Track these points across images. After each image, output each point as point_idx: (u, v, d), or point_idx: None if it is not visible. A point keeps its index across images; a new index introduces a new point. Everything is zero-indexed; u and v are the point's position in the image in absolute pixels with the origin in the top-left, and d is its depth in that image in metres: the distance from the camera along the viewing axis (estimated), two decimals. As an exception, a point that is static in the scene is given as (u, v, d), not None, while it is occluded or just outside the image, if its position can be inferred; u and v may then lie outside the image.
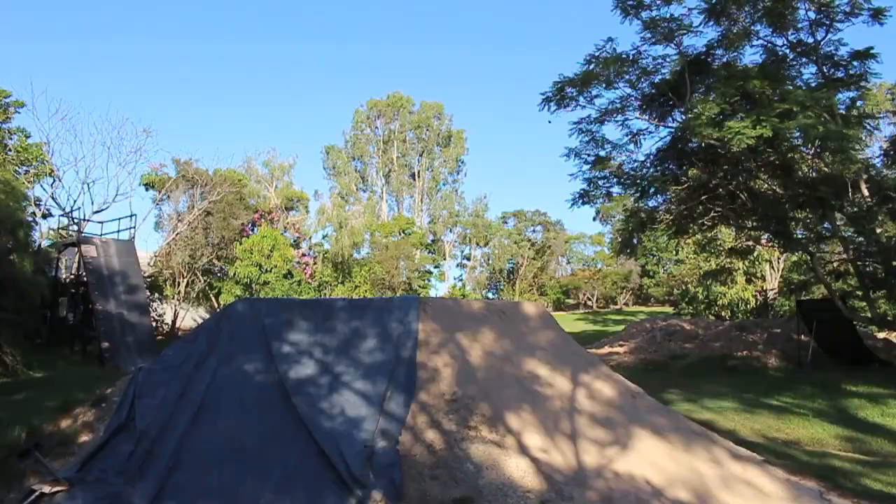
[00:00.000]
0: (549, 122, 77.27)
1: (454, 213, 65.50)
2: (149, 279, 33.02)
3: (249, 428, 8.34)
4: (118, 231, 29.86)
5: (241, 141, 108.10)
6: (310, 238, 52.11)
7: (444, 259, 64.65)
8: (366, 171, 66.46)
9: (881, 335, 25.12)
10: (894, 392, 16.94)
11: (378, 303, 10.71)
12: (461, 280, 64.60)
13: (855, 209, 20.04)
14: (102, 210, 36.17)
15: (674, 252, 47.58)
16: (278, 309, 10.44)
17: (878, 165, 21.26)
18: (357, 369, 9.07)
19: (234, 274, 38.83)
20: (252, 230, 42.92)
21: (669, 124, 21.48)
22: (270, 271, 38.73)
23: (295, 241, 47.76)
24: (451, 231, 66.31)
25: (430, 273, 57.20)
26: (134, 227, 30.06)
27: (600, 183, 22.46)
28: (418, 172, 65.29)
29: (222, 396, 8.87)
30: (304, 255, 46.88)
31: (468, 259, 67.67)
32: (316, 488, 7.38)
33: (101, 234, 29.35)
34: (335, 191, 62.97)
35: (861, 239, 21.16)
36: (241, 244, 39.54)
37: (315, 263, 46.55)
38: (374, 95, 66.91)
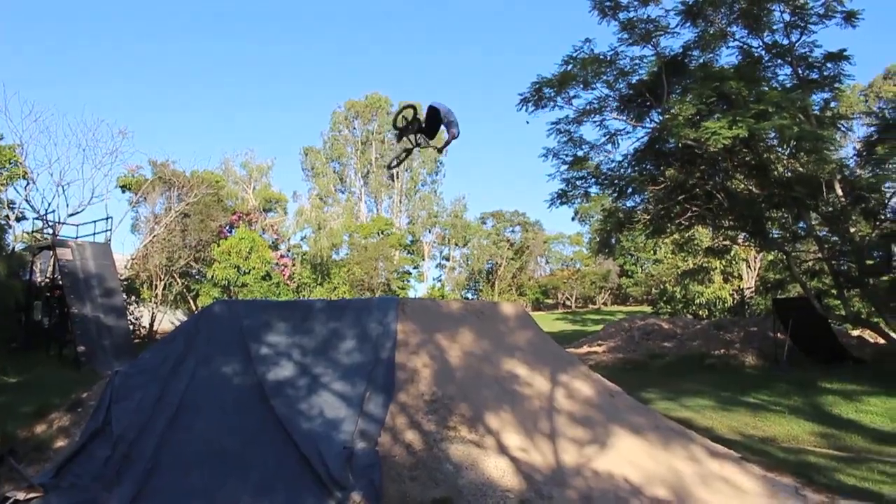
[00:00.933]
0: (527, 122, 77.50)
1: (433, 214, 65.48)
2: (125, 282, 32.70)
3: (228, 430, 8.30)
4: (94, 234, 29.60)
5: (218, 142, 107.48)
6: (288, 240, 51.96)
7: (424, 260, 64.65)
8: (344, 173, 66.33)
9: (855, 333, 25.40)
10: (868, 389, 17.16)
11: (357, 304, 10.69)
12: (440, 281, 64.66)
13: (829, 209, 20.26)
14: (78, 213, 35.79)
15: (652, 252, 47.83)
16: (256, 310, 10.40)
17: (852, 166, 21.50)
18: (336, 370, 9.05)
19: (212, 276, 38.60)
20: (230, 232, 42.65)
21: (647, 125, 21.65)
22: (249, 273, 38.54)
23: (273, 242, 47.57)
24: (429, 232, 66.32)
25: (410, 274, 57.15)
26: (110, 230, 29.79)
27: (578, 183, 22.62)
28: (397, 173, 65.15)
29: (201, 399, 8.82)
30: (282, 256, 46.68)
31: (447, 260, 67.72)
32: (295, 490, 7.36)
33: (76, 237, 29.03)
34: (314, 192, 62.82)
35: (835, 238, 21.41)
36: (218, 246, 39.29)
37: (294, 265, 46.36)
38: (352, 96, 66.77)
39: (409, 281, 55.54)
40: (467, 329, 9.94)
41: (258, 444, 8.06)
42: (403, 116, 12.31)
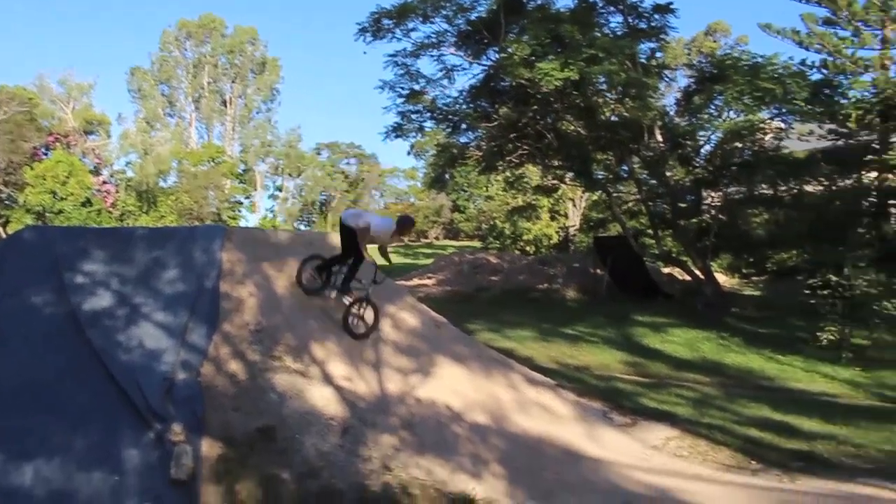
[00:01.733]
0: (365, 52, 76.40)
1: (267, 143, 63.75)
2: (-78, 205, 30.01)
3: (39, 364, 7.85)
4: None
5: (33, 58, 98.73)
6: (111, 165, 49.30)
7: (256, 190, 63.05)
8: (174, 96, 63.02)
9: (666, 270, 27.18)
10: (673, 321, 18.61)
11: (182, 232, 10.37)
12: (273, 212, 63.44)
13: (650, 154, 21.44)
14: None
15: (484, 188, 48.90)
16: (72, 237, 9.82)
17: (672, 114, 22.76)
18: (157, 300, 8.73)
19: (25, 202, 36.07)
20: (45, 154, 39.89)
21: (483, 62, 21.92)
22: (66, 199, 36.29)
23: (95, 167, 44.96)
24: (263, 161, 64.64)
25: (241, 204, 55.77)
26: None
27: (413, 117, 22.75)
28: (230, 99, 62.77)
29: (8, 331, 8.27)
30: (104, 182, 44.22)
31: (280, 190, 66.45)
32: (112, 424, 7.10)
33: None
34: (140, 115, 59.56)
35: (654, 181, 22.73)
36: (32, 169, 36.68)
37: (117, 192, 44.05)
38: (185, 15, 63.29)
39: (240, 211, 54.24)
40: (296, 259, 9.82)
41: (72, 377, 7.68)
42: (311, 275, 9.44)
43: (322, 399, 7.76)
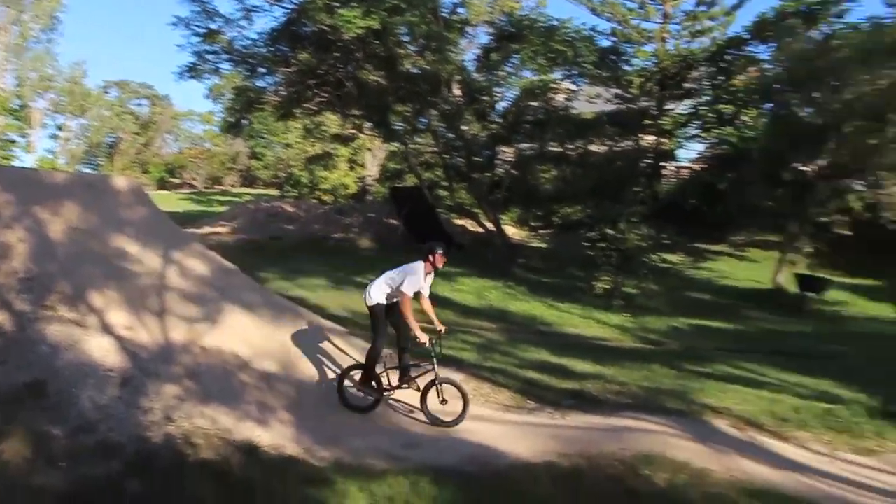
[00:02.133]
0: (160, -15, 71.73)
1: (46, 77, 58.58)
2: None
3: None
4: None
5: None
6: None
7: (33, 128, 58.01)
8: (-68, 18, 56.36)
9: (459, 222, 28.05)
10: (464, 271, 19.34)
11: (-62, 170, 9.39)
12: (53, 153, 58.79)
13: (447, 107, 21.91)
14: None
15: (283, 136, 48.01)
16: None
17: (471, 70, 23.32)
18: None
19: None
20: None
21: (285, 5, 21.48)
22: None
23: None
24: (42, 97, 59.44)
25: (14, 143, 51.19)
26: None
27: (210, 58, 21.96)
28: (3, 26, 56.97)
29: None
30: None
31: (61, 129, 61.59)
32: None
33: None
34: None
35: (450, 135, 23.29)
36: None
37: None
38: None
39: (13, 151, 49.81)
40: (73, 203, 9.15)
41: None
42: (357, 391, 8.47)
43: (100, 350, 7.39)
